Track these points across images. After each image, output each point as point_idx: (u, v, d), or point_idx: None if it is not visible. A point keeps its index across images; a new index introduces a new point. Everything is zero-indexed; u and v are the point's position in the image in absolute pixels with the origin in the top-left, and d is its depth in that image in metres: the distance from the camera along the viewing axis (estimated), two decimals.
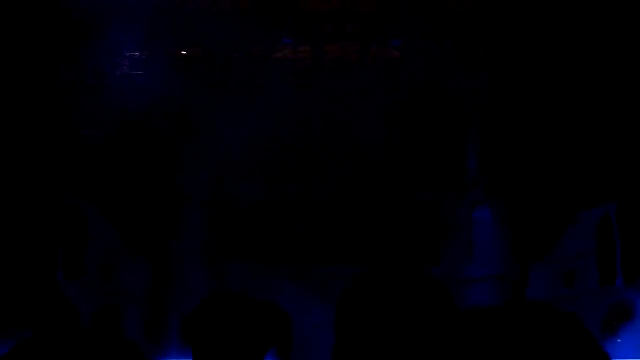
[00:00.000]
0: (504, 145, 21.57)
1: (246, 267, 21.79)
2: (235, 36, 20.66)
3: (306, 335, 15.97)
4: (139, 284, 21.44)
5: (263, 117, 21.33)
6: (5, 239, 17.25)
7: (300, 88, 21.66)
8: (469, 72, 21.23)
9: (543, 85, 20.56)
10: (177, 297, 20.97)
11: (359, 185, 21.99)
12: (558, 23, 19.51)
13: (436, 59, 20.95)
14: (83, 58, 20.08)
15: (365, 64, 21.51)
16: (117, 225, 21.18)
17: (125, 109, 20.38)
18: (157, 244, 21.70)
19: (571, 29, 19.45)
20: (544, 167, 20.85)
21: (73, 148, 20.31)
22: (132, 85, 20.82)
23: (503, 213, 21.69)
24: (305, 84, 21.66)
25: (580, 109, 19.98)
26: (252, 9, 20.17)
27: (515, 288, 21.46)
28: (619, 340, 19.04)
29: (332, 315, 1.50)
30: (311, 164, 22.05)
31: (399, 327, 1.36)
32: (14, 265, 17.39)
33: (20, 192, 17.87)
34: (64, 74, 19.86)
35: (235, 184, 21.94)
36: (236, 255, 22.04)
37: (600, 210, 20.38)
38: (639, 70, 18.75)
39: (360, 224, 21.98)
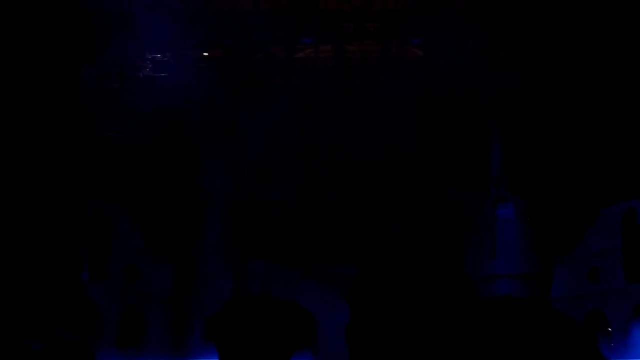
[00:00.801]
0: (527, 143, 21.47)
1: (268, 268, 21.85)
2: (257, 37, 20.70)
3: (328, 334, 16.00)
4: (163, 285, 21.55)
5: (284, 118, 21.35)
6: (32, 240, 17.40)
7: (321, 87, 21.66)
8: (491, 70, 21.16)
9: (565, 82, 20.45)
10: (200, 298, 21.05)
11: (382, 185, 21.97)
12: (580, 21, 19.39)
13: (458, 57, 20.88)
14: (105, 61, 20.21)
15: (387, 62, 21.48)
16: (141, 227, 21.31)
17: (148, 111, 20.48)
18: (180, 246, 21.80)
19: (593, 28, 19.32)
20: (567, 164, 20.74)
21: (97, 150, 20.45)
22: (154, 87, 20.93)
23: (526, 210, 21.60)
24: (326, 84, 21.66)
25: (603, 106, 19.85)
26: (273, 10, 20.20)
27: (540, 285, 21.36)
28: None
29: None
30: (333, 164, 22.05)
31: (412, 305, 1.36)
32: (40, 266, 17.53)
33: (46, 194, 18.01)
34: (86, 76, 19.99)
35: (257, 185, 21.98)
36: (258, 255, 22.10)
37: (624, 206, 20.22)
38: None
39: (382, 223, 21.95)
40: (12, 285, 16.73)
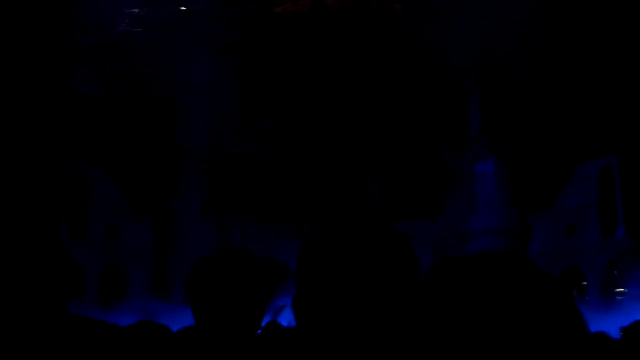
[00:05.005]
0: (507, 100, 21.48)
1: (248, 225, 21.84)
2: None
3: None
4: (143, 243, 21.54)
5: (263, 74, 21.20)
6: (8, 198, 17.28)
7: (300, 42, 21.48)
8: (471, 27, 21.05)
9: (544, 39, 20.42)
10: (180, 254, 21.05)
11: (362, 141, 21.95)
12: None
13: (438, 12, 20.75)
14: (82, 15, 19.90)
15: (366, 17, 21.32)
16: (120, 185, 21.23)
17: (125, 67, 20.26)
18: (160, 204, 21.75)
19: None
20: (546, 120, 20.80)
21: (74, 107, 20.24)
22: (131, 42, 20.68)
23: (506, 166, 21.69)
24: (305, 38, 21.48)
25: (581, 63, 19.88)
26: None
27: (518, 240, 21.54)
28: (623, 290, 19.17)
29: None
30: (313, 119, 21.97)
31: (358, 275, 1.34)
32: (18, 225, 17.42)
33: (22, 152, 17.86)
34: (62, 31, 19.69)
35: (236, 142, 21.88)
36: (238, 212, 22.08)
37: (601, 162, 20.37)
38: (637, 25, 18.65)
39: (363, 180, 21.99)
40: None
